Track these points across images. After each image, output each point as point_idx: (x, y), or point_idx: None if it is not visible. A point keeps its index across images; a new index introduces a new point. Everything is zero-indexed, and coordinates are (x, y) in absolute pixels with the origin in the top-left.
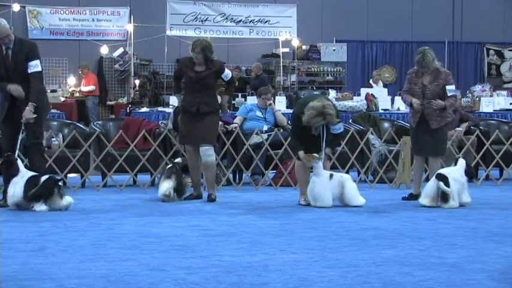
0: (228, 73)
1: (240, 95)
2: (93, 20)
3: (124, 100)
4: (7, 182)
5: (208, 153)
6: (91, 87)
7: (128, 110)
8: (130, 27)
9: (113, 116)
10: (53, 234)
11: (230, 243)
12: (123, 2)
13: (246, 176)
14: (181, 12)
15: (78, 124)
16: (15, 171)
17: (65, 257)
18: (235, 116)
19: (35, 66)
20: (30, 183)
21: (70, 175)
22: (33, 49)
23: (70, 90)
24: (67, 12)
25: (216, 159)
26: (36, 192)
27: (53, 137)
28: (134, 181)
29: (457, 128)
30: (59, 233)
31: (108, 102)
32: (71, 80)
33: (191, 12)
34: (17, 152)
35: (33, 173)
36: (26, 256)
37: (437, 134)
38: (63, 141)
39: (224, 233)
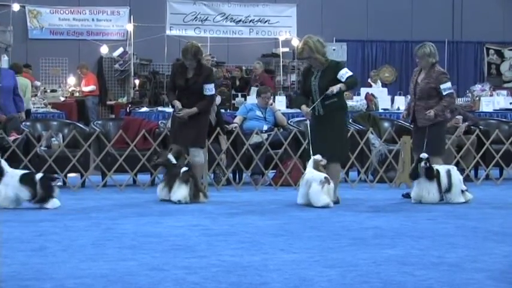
0: (210, 87)
1: (240, 94)
2: (92, 20)
3: (124, 100)
4: None
5: (194, 154)
6: (91, 87)
7: (127, 110)
8: (130, 27)
9: (113, 116)
10: (53, 234)
11: (230, 243)
12: (123, 1)
13: (246, 175)
14: (181, 11)
15: (78, 124)
16: (1, 173)
17: (65, 256)
18: (235, 116)
19: None
20: (27, 182)
21: (70, 175)
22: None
23: (70, 90)
24: (67, 12)
25: (216, 159)
26: (47, 191)
27: (52, 137)
28: (134, 181)
29: (457, 116)
30: (58, 233)
31: (108, 102)
32: (71, 80)
33: (191, 11)
34: None
35: (22, 171)
36: (26, 256)
37: (429, 132)
38: (63, 141)
39: (224, 233)
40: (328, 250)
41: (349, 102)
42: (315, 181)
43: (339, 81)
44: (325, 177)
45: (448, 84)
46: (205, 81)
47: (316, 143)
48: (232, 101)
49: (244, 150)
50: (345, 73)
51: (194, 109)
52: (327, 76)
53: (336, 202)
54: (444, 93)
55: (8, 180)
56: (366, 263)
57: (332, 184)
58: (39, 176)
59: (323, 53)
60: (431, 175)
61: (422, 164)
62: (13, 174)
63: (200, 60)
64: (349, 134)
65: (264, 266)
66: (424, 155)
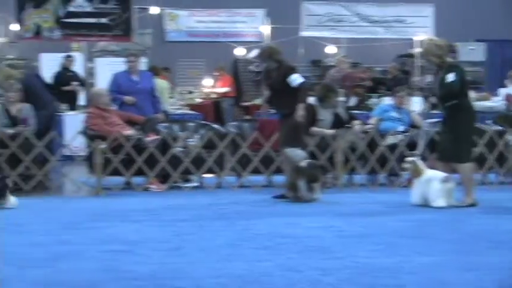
0: (295, 78)
1: (375, 95)
2: (228, 22)
3: (259, 101)
4: None
5: (290, 157)
6: (225, 89)
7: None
8: (264, 29)
9: (248, 117)
10: (189, 234)
11: (365, 245)
12: (258, 3)
13: (381, 176)
14: (316, 13)
15: (214, 125)
16: None
17: (201, 256)
18: (370, 117)
19: None
20: None
21: (206, 175)
22: None
23: (206, 91)
24: (204, 14)
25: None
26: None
27: (189, 138)
28: (270, 182)
29: None
30: (195, 233)
31: (244, 104)
32: (207, 82)
33: (326, 12)
34: None
35: None
36: (163, 255)
37: None
38: (199, 142)
39: (359, 234)
40: (466, 253)
41: (488, 103)
42: (435, 180)
43: (447, 84)
44: (446, 177)
45: None
46: (285, 76)
47: (440, 143)
48: (366, 102)
49: (380, 151)
50: (450, 77)
51: (300, 105)
52: (440, 78)
53: (473, 204)
54: None
55: None
56: (505, 267)
57: (453, 184)
58: None
59: (437, 55)
60: None
61: None
62: None
63: (280, 60)
64: (488, 135)
65: (400, 268)
66: None
